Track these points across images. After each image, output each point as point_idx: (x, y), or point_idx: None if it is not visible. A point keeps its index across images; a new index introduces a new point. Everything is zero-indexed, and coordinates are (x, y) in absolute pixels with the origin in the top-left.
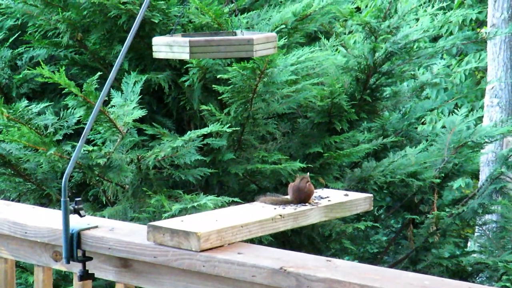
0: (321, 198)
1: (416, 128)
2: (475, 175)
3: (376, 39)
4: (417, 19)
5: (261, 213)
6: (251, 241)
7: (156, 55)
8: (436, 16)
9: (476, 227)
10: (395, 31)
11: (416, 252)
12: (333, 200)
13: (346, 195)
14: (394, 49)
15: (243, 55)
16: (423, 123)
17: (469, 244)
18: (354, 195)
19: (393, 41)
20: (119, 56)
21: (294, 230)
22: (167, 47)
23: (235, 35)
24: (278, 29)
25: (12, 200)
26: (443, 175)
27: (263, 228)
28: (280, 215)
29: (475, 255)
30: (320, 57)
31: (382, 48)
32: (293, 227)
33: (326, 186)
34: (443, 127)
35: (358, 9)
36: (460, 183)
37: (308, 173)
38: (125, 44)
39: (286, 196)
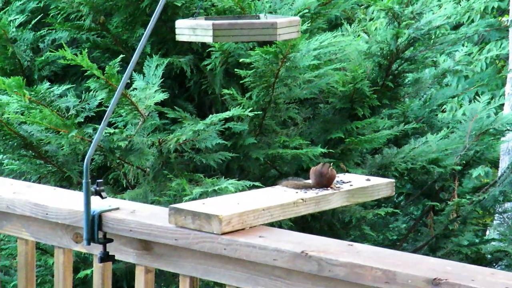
0: (343, 182)
1: (437, 115)
2: (494, 164)
3: (399, 24)
4: (440, 6)
5: (283, 197)
6: (271, 225)
7: (179, 38)
8: (459, 3)
9: (496, 215)
10: (418, 17)
11: (436, 240)
12: (355, 185)
13: (368, 180)
14: (417, 35)
15: (267, 39)
16: (443, 111)
17: (487, 232)
18: (376, 180)
19: (416, 27)
20: (141, 39)
21: (314, 216)
22: (190, 30)
23: (259, 18)
24: (301, 13)
25: (33, 182)
26: (464, 162)
27: (285, 212)
28: (302, 199)
29: (494, 243)
30: (343, 43)
31: (405, 34)
32: (315, 211)
33: (347, 172)
34: (464, 115)
35: None
36: (479, 172)
37: (332, 163)
38: (148, 27)
39: (308, 181)
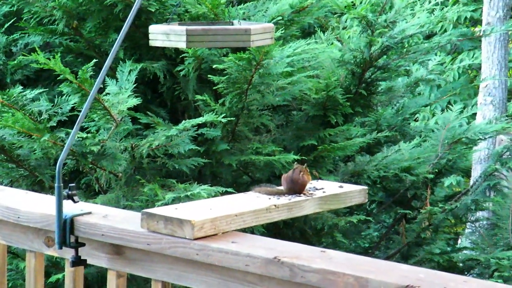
0: (316, 189)
1: (410, 123)
2: (466, 173)
3: (373, 33)
4: (414, 15)
5: (256, 203)
6: (244, 231)
7: (152, 43)
8: (432, 12)
9: (468, 223)
10: (391, 26)
11: (408, 248)
12: (328, 192)
13: (341, 187)
14: (391, 44)
15: (240, 45)
16: (415, 120)
17: (459, 241)
18: (349, 187)
19: (390, 36)
20: (115, 44)
21: (286, 223)
22: (164, 35)
23: (232, 25)
24: (274, 20)
25: (5, 186)
26: (436, 170)
27: (258, 218)
28: (275, 205)
29: (466, 251)
30: (316, 50)
31: (378, 42)
32: (288, 217)
33: (320, 179)
34: (436, 123)
35: (353, 4)
36: (451, 181)
37: (306, 164)
38: (121, 32)
39: (280, 187)
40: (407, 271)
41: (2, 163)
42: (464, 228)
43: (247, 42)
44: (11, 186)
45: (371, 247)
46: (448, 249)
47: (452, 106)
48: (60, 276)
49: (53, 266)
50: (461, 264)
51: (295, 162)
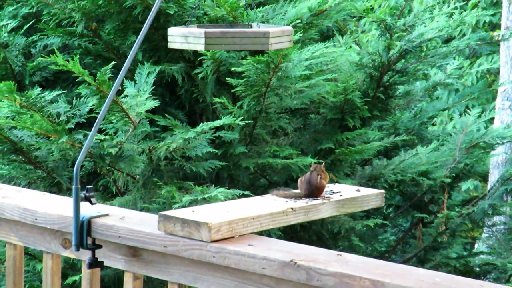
0: (333, 192)
1: (427, 127)
2: (483, 178)
3: (391, 36)
4: (432, 18)
5: (273, 206)
6: (261, 234)
7: (171, 45)
8: (451, 16)
9: (485, 228)
10: (410, 29)
11: (425, 252)
12: (345, 195)
13: (358, 190)
14: (409, 47)
15: (259, 48)
16: (433, 124)
17: (476, 245)
18: (366, 191)
19: (408, 39)
20: (133, 46)
21: (303, 226)
22: (183, 37)
23: (251, 27)
24: (293, 24)
25: (22, 187)
26: (453, 175)
27: (274, 221)
28: (292, 209)
29: (483, 256)
30: (334, 54)
31: (396, 46)
32: (304, 220)
33: (337, 182)
34: (454, 128)
35: (371, 8)
36: (468, 185)
37: (324, 163)
38: (140, 34)
39: (297, 190)
40: (423, 275)
41: (20, 165)
42: (481, 233)
43: (266, 45)
44: (29, 188)
45: (387, 251)
46: (465, 253)
47: (470, 110)
48: (76, 277)
49: (70, 267)
50: (477, 269)
51: (312, 163)
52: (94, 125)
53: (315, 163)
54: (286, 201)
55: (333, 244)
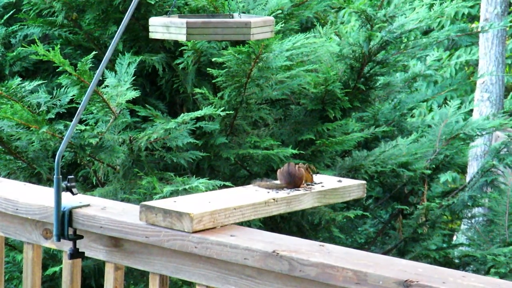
0: (315, 183)
1: (407, 119)
2: (462, 170)
3: (372, 27)
4: (413, 9)
5: (255, 196)
6: (242, 225)
7: (152, 35)
8: (431, 7)
9: (464, 220)
10: (390, 20)
11: (404, 243)
12: (326, 186)
13: (340, 181)
14: (390, 38)
15: (240, 38)
16: (412, 116)
17: (454, 237)
18: (348, 182)
19: (389, 30)
20: (115, 36)
21: (284, 217)
22: (164, 27)
23: (233, 17)
24: (274, 14)
25: (2, 178)
26: (433, 166)
27: (256, 212)
28: (274, 199)
29: (462, 248)
30: (315, 44)
31: (377, 36)
32: (286, 211)
33: (318, 173)
34: (433, 119)
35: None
36: (447, 177)
37: (300, 163)
38: (121, 25)
39: (277, 181)
40: (406, 265)
41: (0, 155)
42: (460, 225)
43: (247, 35)
44: (9, 178)
45: (367, 242)
46: (444, 245)
47: (449, 102)
48: (57, 268)
49: (50, 258)
50: (457, 260)
51: (300, 163)
52: (76, 115)
53: (303, 163)
54: (268, 192)
55: (313, 235)
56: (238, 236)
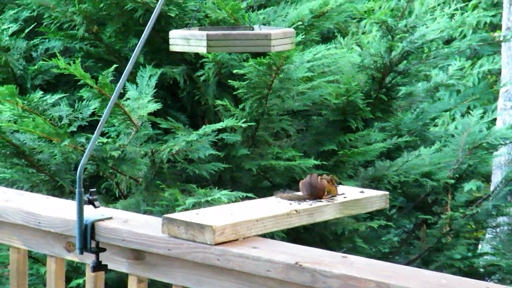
0: (337, 194)
1: (429, 128)
2: (486, 179)
3: (393, 38)
4: (434, 19)
5: (277, 208)
6: (264, 236)
7: (172, 48)
8: (452, 17)
9: (488, 229)
10: (411, 31)
11: (428, 253)
12: (348, 197)
13: (362, 192)
14: (411, 49)
15: (260, 50)
16: (435, 126)
17: (479, 246)
18: (370, 192)
19: (410, 41)
20: (136, 49)
21: (307, 228)
22: (184, 40)
23: (253, 29)
24: (294, 25)
25: (25, 191)
26: (457, 176)
27: (278, 223)
28: (296, 211)
29: (487, 257)
30: (336, 55)
31: (398, 47)
32: (308, 223)
33: (340, 184)
34: (456, 129)
35: (372, 10)
36: (471, 186)
37: (324, 175)
38: (141, 37)
39: (299, 193)
40: (429, 276)
41: (23, 168)
42: (484, 234)
43: (268, 47)
44: (32, 191)
45: (391, 252)
46: (469, 254)
47: (471, 111)
48: (81, 280)
49: (73, 271)
50: (482, 270)
51: (323, 175)
52: (97, 128)
53: (326, 175)
54: (290, 203)
55: (336, 246)
56: (260, 248)
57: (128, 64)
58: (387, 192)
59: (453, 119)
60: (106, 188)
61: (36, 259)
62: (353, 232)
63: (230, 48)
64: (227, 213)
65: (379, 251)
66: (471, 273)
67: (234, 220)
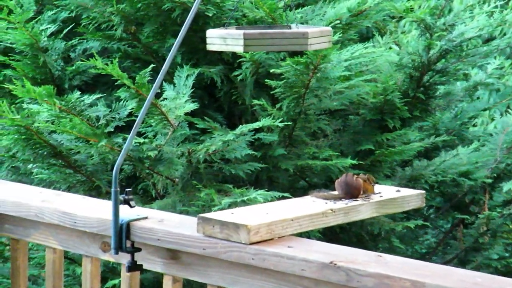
0: (373, 193)
1: (468, 128)
2: None
3: (431, 36)
4: (473, 17)
5: (312, 207)
6: (300, 236)
7: (209, 47)
8: (491, 15)
9: None
10: (450, 29)
11: (465, 253)
12: (384, 196)
13: (398, 191)
14: (449, 47)
15: (297, 49)
16: (474, 125)
17: None
18: (406, 191)
19: (448, 39)
20: (172, 48)
21: (343, 227)
22: (221, 39)
23: (290, 28)
24: (332, 24)
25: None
26: (495, 175)
27: (314, 222)
28: (331, 210)
29: None
30: (374, 54)
31: (437, 45)
32: (344, 222)
33: (377, 183)
34: (495, 128)
35: (411, 8)
36: (510, 187)
37: (360, 174)
38: (178, 37)
39: (336, 192)
40: (464, 275)
41: (60, 169)
42: None
43: (305, 46)
44: (69, 192)
45: (428, 252)
46: (506, 254)
47: (511, 110)
48: (116, 281)
49: (109, 271)
50: None
51: (360, 174)
52: (133, 128)
53: (363, 174)
54: (326, 203)
55: (373, 246)
56: (295, 247)
57: (165, 64)
58: (423, 191)
59: (492, 119)
60: (143, 189)
61: (72, 260)
62: (389, 232)
63: (267, 47)
64: (262, 212)
65: (416, 252)
66: (508, 272)
67: (269, 219)
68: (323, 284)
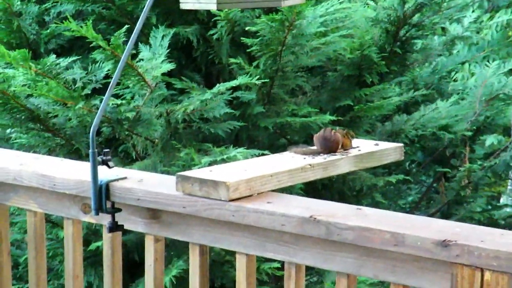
0: (351, 148)
1: (448, 82)
2: (506, 132)
3: None
4: None
5: (291, 162)
6: (282, 192)
7: (183, 6)
8: None
9: (509, 181)
10: None
11: (448, 206)
12: (363, 150)
13: (377, 144)
14: (424, 0)
15: (271, 5)
16: (454, 80)
17: (501, 200)
18: (384, 145)
19: None
20: (145, 8)
21: (325, 184)
22: None
23: None
24: None
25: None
26: (474, 128)
27: (293, 178)
28: (310, 165)
29: (507, 209)
30: (349, 9)
31: None
32: (323, 176)
33: (354, 137)
34: (475, 82)
35: None
36: (492, 140)
37: (338, 129)
38: None
39: (315, 147)
40: (443, 226)
41: (39, 133)
42: (506, 187)
43: (278, 2)
44: (49, 155)
45: (411, 207)
46: (489, 207)
47: (489, 63)
48: (99, 243)
49: (92, 234)
50: (502, 222)
51: (338, 129)
52: (109, 88)
53: (342, 129)
54: (304, 158)
55: (355, 202)
56: (274, 203)
57: (138, 23)
58: (401, 144)
59: (472, 74)
60: (123, 151)
61: (55, 223)
62: (372, 188)
63: (241, 4)
64: (241, 169)
65: (399, 207)
66: (491, 225)
67: (248, 176)
68: (303, 239)
